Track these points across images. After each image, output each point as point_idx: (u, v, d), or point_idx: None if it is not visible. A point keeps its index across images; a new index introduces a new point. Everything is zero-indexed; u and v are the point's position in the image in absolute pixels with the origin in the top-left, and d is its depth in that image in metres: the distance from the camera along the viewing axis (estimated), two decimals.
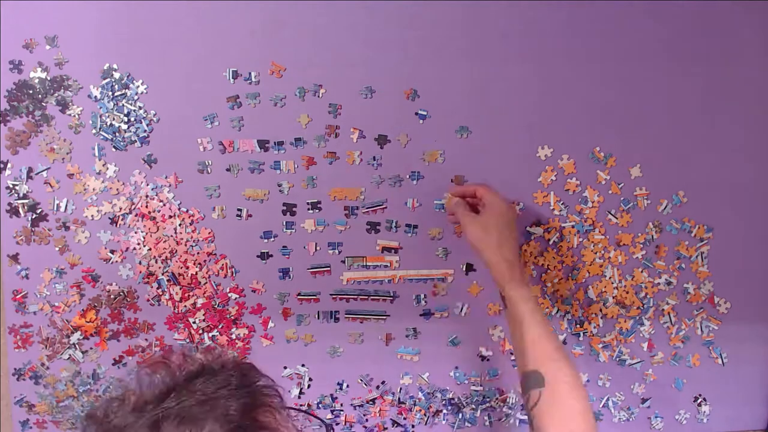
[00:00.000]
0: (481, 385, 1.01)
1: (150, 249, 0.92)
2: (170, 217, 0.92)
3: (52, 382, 0.94)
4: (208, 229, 0.92)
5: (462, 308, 0.99)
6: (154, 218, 0.92)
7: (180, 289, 0.93)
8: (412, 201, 0.95)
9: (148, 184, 0.91)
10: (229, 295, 0.94)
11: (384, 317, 0.97)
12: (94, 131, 0.89)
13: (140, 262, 0.92)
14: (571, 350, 1.01)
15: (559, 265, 0.99)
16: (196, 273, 0.93)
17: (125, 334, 0.94)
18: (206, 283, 0.93)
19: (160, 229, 0.92)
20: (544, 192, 0.97)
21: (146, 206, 0.91)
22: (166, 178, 0.91)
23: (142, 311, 0.93)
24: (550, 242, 0.98)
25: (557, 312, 1.00)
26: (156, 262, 0.92)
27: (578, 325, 1.01)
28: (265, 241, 0.93)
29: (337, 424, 1.00)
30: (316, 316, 0.96)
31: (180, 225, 0.92)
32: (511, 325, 0.81)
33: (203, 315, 0.94)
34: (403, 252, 0.96)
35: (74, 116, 0.89)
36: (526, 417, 1.00)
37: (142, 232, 0.91)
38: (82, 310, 0.92)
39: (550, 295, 1.00)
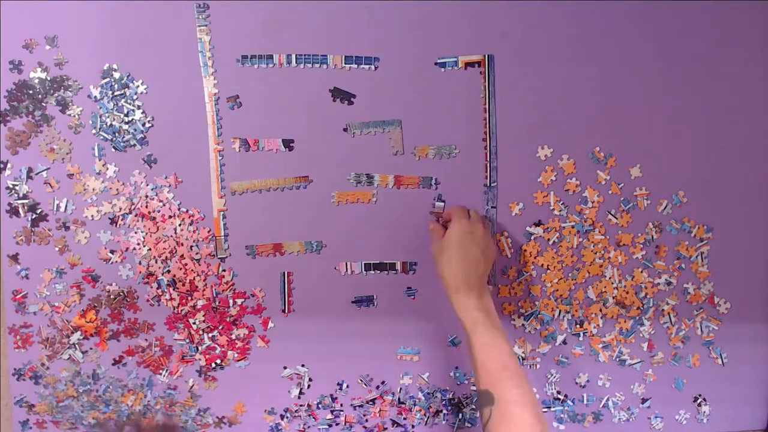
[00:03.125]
0: None
1: (150, 249, 0.92)
2: (170, 217, 0.92)
3: (52, 382, 0.94)
4: (208, 229, 0.92)
5: None
6: (154, 218, 0.92)
7: (178, 295, 0.93)
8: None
9: (147, 185, 0.91)
10: (229, 299, 0.94)
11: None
12: (94, 131, 0.89)
13: (140, 262, 0.92)
14: (571, 350, 1.01)
15: (559, 265, 0.99)
16: (194, 278, 0.93)
17: (125, 334, 0.94)
18: (205, 287, 0.93)
19: (160, 229, 0.92)
20: (544, 192, 0.97)
21: (146, 206, 0.91)
22: (166, 178, 0.91)
23: (142, 311, 0.93)
24: (550, 242, 0.98)
25: (558, 312, 1.00)
26: (156, 262, 0.92)
27: (578, 325, 1.01)
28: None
29: (337, 424, 1.00)
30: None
31: (180, 225, 0.92)
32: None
33: (203, 316, 0.94)
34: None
35: (74, 116, 0.89)
36: None
37: (142, 232, 0.91)
38: (82, 310, 0.92)
39: (550, 295, 1.00)
